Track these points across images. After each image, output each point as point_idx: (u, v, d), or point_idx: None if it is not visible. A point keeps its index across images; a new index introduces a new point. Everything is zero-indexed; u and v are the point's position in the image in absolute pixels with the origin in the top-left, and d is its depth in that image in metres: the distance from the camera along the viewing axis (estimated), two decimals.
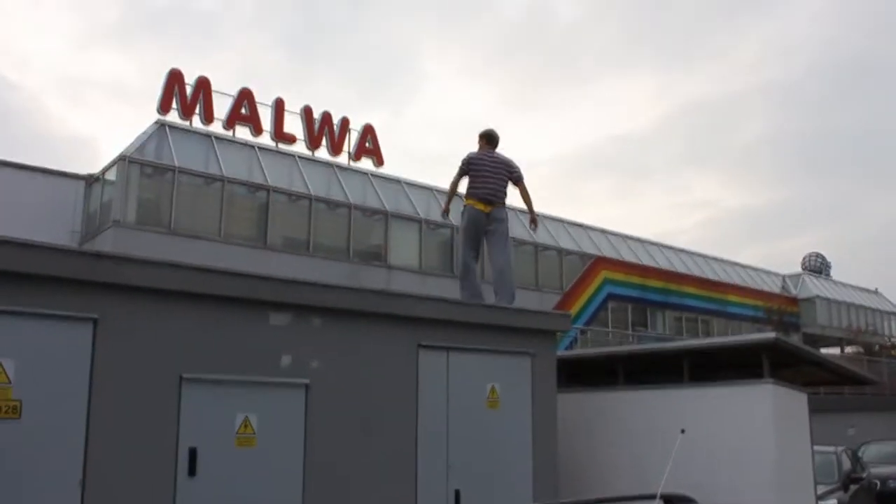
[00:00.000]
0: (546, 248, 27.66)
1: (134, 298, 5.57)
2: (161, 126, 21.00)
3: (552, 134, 79.79)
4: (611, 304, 29.08)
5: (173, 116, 21.20)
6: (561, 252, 28.13)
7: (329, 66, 75.46)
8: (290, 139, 23.08)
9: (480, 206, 8.69)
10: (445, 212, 9.75)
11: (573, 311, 25.31)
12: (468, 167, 8.79)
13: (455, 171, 8.96)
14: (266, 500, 6.03)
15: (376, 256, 23.36)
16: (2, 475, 4.92)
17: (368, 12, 75.61)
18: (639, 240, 33.06)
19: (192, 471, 5.69)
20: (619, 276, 29.40)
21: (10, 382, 4.98)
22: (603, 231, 31.45)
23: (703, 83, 75.72)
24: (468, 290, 8.61)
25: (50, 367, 5.20)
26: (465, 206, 8.86)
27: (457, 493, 7.13)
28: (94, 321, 5.39)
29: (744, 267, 38.33)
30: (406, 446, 6.90)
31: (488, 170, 8.72)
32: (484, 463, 7.37)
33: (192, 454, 5.70)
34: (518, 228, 27.15)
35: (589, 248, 29.39)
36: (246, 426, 5.97)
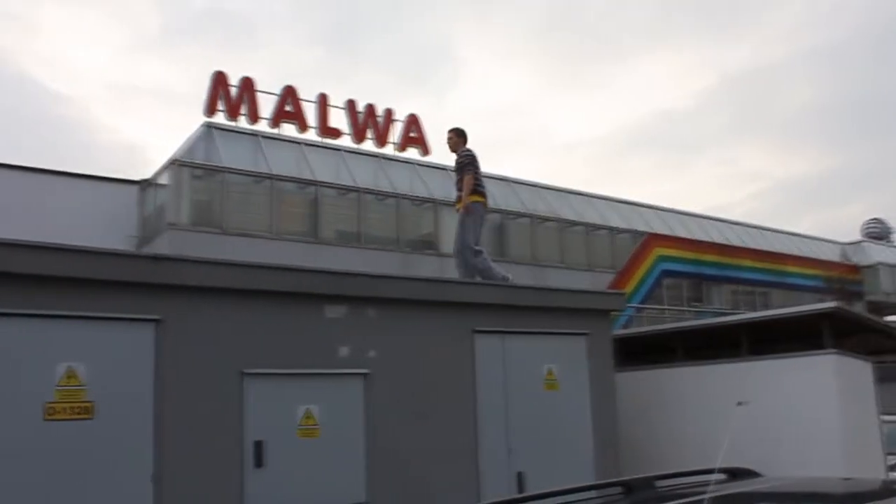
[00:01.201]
0: (596, 227, 27.47)
1: (193, 298, 5.72)
2: (209, 128, 21.29)
3: (594, 112, 79.00)
4: (665, 281, 28.78)
5: (220, 118, 21.49)
6: (612, 231, 27.91)
7: (367, 58, 75.63)
8: (336, 133, 23.23)
9: (483, 202, 8.86)
10: (465, 209, 8.72)
11: (627, 289, 25.12)
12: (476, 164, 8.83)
13: (468, 169, 8.87)
14: (331, 488, 6.15)
15: (427, 245, 23.43)
16: (80, 473, 5.11)
17: (402, 2, 75.59)
18: (691, 214, 32.60)
19: (258, 462, 5.84)
20: (673, 253, 29.07)
21: (83, 384, 5.16)
22: (653, 207, 31.08)
23: (747, 52, 74.17)
24: (476, 267, 8.47)
25: (118, 369, 5.38)
26: (473, 202, 8.73)
27: (519, 476, 7.18)
28: (157, 322, 5.54)
29: (801, 237, 37.59)
30: (466, 431, 6.96)
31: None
32: (545, 445, 7.41)
33: (258, 446, 5.84)
34: (566, 209, 27.06)
35: (640, 226, 29.10)
36: (308, 417, 6.09)
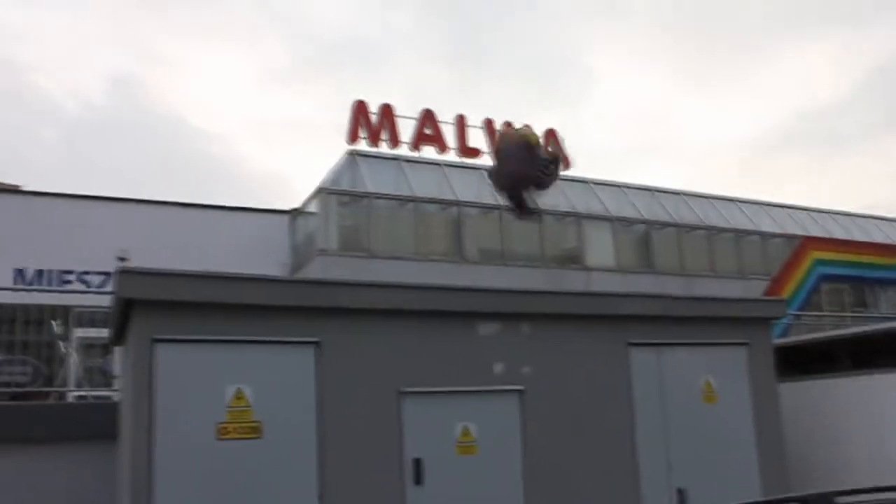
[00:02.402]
0: (747, 233, 26.53)
1: (350, 320, 5.88)
2: (352, 155, 21.96)
3: (734, 113, 76.29)
4: (824, 286, 27.42)
5: (362, 145, 22.12)
6: (764, 236, 26.88)
7: (496, 75, 76.05)
8: (475, 153, 23.47)
9: None
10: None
11: (783, 297, 24.10)
12: None
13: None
14: None
15: (572, 259, 23.27)
16: (250, 490, 5.33)
17: (525, 16, 75.50)
18: (848, 214, 30.98)
19: (418, 480, 5.92)
20: (831, 256, 27.65)
21: (250, 405, 5.40)
22: (806, 209, 29.74)
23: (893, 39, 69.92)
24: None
25: (281, 390, 5.59)
26: None
27: (680, 492, 6.98)
28: (316, 344, 5.73)
29: None
30: (624, 446, 6.84)
31: None
32: (706, 459, 7.17)
33: (418, 464, 5.93)
34: (714, 215, 26.26)
35: (793, 229, 27.89)
36: (465, 434, 6.13)
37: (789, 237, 27.41)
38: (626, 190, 25.26)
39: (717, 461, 7.21)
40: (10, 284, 16.87)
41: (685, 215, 25.62)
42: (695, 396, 7.28)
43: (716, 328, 7.50)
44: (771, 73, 71.55)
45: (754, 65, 73.80)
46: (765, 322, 7.97)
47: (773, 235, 27.18)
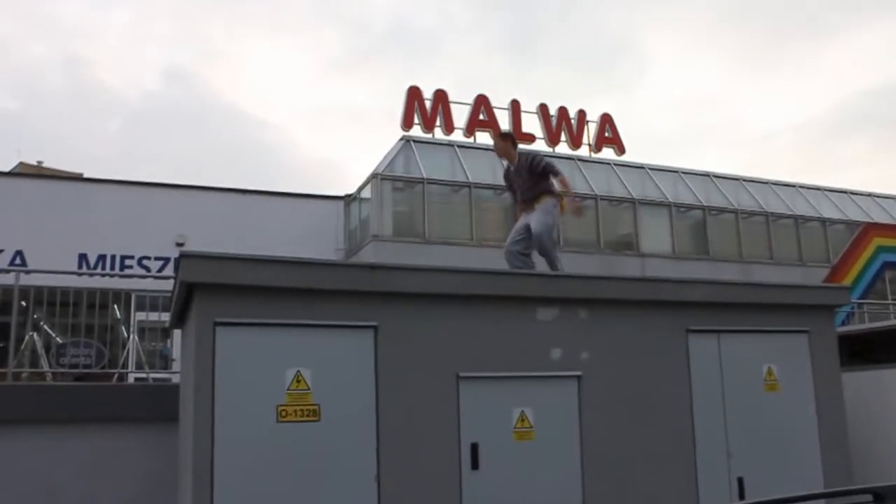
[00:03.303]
0: (807, 219, 25.94)
1: (408, 304, 5.90)
2: (406, 141, 21.98)
3: (793, 96, 74.68)
4: (888, 274, 26.72)
5: (416, 130, 22.13)
6: (824, 222, 26.26)
7: (550, 60, 75.46)
8: (530, 139, 23.32)
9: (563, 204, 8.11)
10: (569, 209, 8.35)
11: (845, 284, 23.56)
12: None
13: (556, 168, 8.04)
14: (546, 491, 6.14)
15: (627, 245, 23.02)
16: (309, 472, 5.39)
17: (580, 1, 74.55)
18: None
19: (475, 464, 5.92)
20: (895, 243, 26.96)
21: (309, 388, 5.45)
22: (870, 195, 28.97)
23: None
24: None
25: (340, 373, 5.63)
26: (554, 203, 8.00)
27: (740, 481, 6.89)
28: (375, 328, 5.75)
29: None
30: (682, 434, 6.77)
31: None
32: (767, 449, 7.07)
33: (474, 449, 5.92)
34: (773, 201, 25.75)
35: (856, 215, 27.19)
36: (523, 420, 6.11)
37: (851, 223, 26.76)
38: (682, 175, 24.88)
39: (778, 451, 7.10)
40: (73, 269, 17.23)
41: (743, 201, 25.15)
42: (756, 384, 7.17)
43: (777, 315, 7.37)
44: (832, 55, 69.89)
45: (814, 47, 72.13)
46: (828, 310, 7.81)
47: (835, 221, 26.54)
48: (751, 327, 7.24)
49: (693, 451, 6.77)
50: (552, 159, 8.16)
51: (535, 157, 8.09)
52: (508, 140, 8.32)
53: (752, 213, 24.91)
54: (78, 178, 24.73)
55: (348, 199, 22.86)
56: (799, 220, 25.74)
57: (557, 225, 8.27)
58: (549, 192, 7.92)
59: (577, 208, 8.14)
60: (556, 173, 7.95)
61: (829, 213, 26.64)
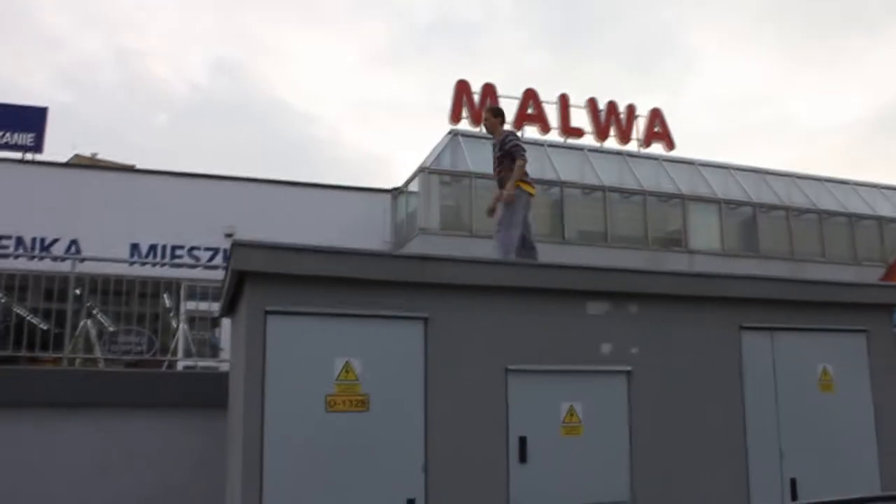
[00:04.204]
0: (862, 217, 25.41)
1: (458, 296, 5.88)
2: (454, 135, 21.98)
3: (844, 93, 73.08)
4: None
5: (464, 124, 22.11)
6: (881, 220, 25.70)
7: (598, 55, 74.80)
8: (578, 133, 23.19)
9: (530, 191, 8.16)
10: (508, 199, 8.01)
11: None
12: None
13: (520, 153, 8.09)
14: (593, 486, 6.09)
15: (675, 242, 22.78)
16: (357, 461, 5.40)
17: None
18: None
19: (522, 458, 5.88)
20: None
21: (358, 379, 5.46)
22: None
23: None
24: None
25: (389, 364, 5.64)
26: (521, 191, 8.04)
27: (792, 482, 6.76)
28: (425, 320, 5.75)
29: None
30: (733, 432, 6.66)
31: None
32: (821, 450, 6.92)
33: (522, 442, 5.89)
34: (826, 198, 25.24)
35: None
36: (571, 415, 6.06)
37: None
38: (732, 171, 24.55)
39: (833, 452, 6.95)
40: (125, 258, 17.54)
41: (795, 198, 24.73)
42: (810, 384, 7.03)
43: (833, 314, 7.21)
44: (884, 51, 68.19)
45: (866, 43, 70.51)
46: (885, 309, 7.63)
47: (892, 220, 25.96)
48: (806, 325, 7.09)
49: (744, 450, 6.65)
50: (527, 145, 8.20)
51: (507, 135, 8.29)
52: (499, 116, 8.48)
53: (804, 211, 24.47)
54: (130, 169, 25.13)
55: (395, 193, 22.93)
56: (853, 218, 25.22)
57: (526, 212, 8.21)
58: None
59: (508, 198, 7.94)
60: (518, 157, 7.96)
61: (885, 210, 26.08)
